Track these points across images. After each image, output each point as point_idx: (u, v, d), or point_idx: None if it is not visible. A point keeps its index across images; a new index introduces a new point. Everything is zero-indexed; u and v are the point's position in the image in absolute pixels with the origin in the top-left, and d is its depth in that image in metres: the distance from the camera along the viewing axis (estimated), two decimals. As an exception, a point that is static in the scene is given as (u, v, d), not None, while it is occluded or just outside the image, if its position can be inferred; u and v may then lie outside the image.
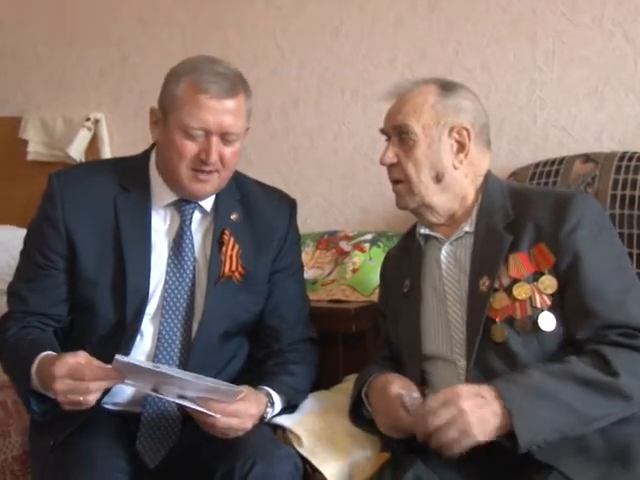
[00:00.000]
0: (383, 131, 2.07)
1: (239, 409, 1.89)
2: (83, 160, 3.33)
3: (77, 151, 3.32)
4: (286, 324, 2.19)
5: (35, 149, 3.44)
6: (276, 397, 2.04)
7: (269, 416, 2.02)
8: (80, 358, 1.84)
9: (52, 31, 3.50)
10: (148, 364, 1.90)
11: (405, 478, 1.86)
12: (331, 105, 3.01)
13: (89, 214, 2.07)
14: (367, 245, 2.73)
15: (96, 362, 1.83)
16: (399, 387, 1.92)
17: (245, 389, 1.93)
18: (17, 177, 3.41)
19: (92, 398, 1.83)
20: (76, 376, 1.81)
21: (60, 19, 3.48)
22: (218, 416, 1.84)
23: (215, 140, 2.00)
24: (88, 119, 3.33)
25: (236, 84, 2.03)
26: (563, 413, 1.72)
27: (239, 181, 2.21)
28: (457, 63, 2.79)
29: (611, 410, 1.75)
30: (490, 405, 1.72)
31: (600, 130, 2.60)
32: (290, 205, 2.27)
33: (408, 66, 2.87)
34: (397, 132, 2.01)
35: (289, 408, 2.08)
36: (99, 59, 3.40)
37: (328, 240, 2.82)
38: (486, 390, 1.74)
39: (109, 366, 1.80)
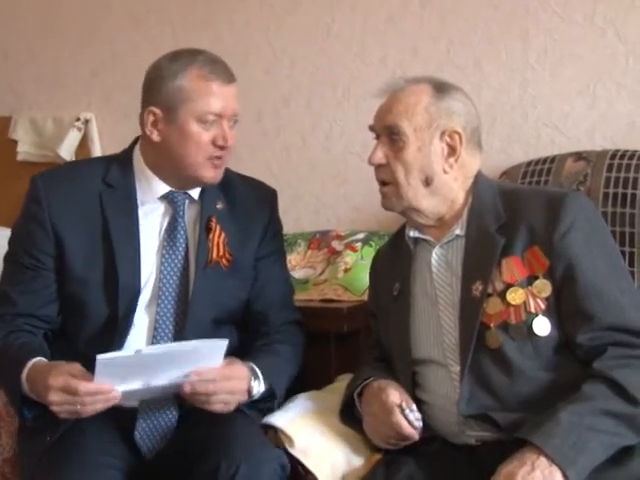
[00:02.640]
0: (372, 129, 2.04)
1: (232, 368, 1.93)
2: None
3: (67, 151, 3.31)
4: (272, 308, 2.22)
5: (25, 149, 3.43)
6: (259, 372, 2.03)
7: (255, 390, 2.01)
8: (75, 370, 1.85)
9: (43, 29, 3.48)
10: (128, 352, 1.89)
11: (397, 477, 1.87)
12: (323, 104, 3.00)
13: (75, 212, 2.09)
14: (359, 244, 2.73)
15: (89, 376, 1.83)
16: (397, 398, 1.92)
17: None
18: (6, 177, 3.38)
19: (89, 409, 1.84)
20: (70, 391, 1.82)
21: (51, 17, 3.46)
22: (216, 379, 1.87)
23: (226, 124, 2.07)
24: (78, 119, 3.32)
25: (229, 68, 2.12)
26: (602, 445, 1.69)
27: None
28: (449, 61, 2.78)
29: (626, 441, 1.73)
30: (539, 467, 1.66)
31: (592, 128, 2.60)
32: (271, 195, 2.31)
33: (399, 64, 2.86)
34: (387, 132, 1.97)
35: (274, 391, 2.07)
36: (90, 57, 3.38)
37: (320, 240, 2.81)
38: (528, 456, 1.67)
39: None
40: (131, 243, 2.08)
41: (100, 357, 1.79)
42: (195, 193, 2.16)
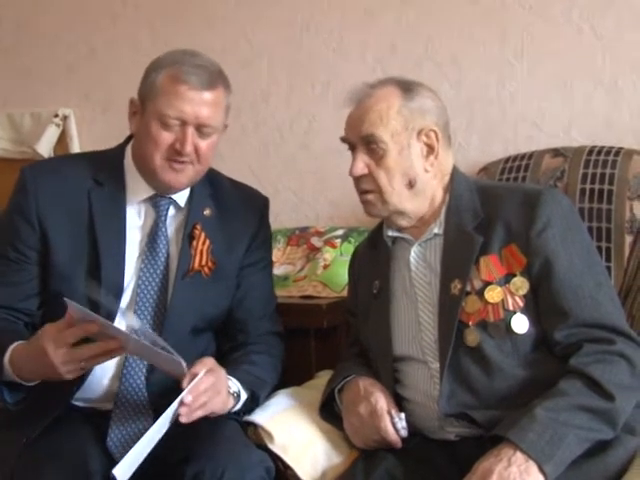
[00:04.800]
0: (345, 140, 2.02)
1: (214, 382, 1.88)
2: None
3: (46, 148, 3.29)
4: (252, 317, 2.19)
5: (2, 146, 3.41)
6: (237, 384, 2.02)
7: (237, 406, 2.00)
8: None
9: (19, 24, 3.46)
10: (99, 317, 1.84)
11: (377, 473, 1.88)
12: (301, 100, 3.01)
13: (63, 208, 2.05)
14: (338, 241, 2.74)
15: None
16: (385, 404, 1.93)
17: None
18: (-17, 174, 3.36)
19: (91, 360, 1.82)
20: (61, 343, 1.79)
21: (27, 12, 3.44)
22: (190, 398, 1.82)
23: (191, 131, 2.01)
24: (56, 115, 3.31)
25: (215, 77, 2.04)
26: (578, 440, 1.70)
27: (211, 177, 2.20)
28: (427, 57, 2.79)
29: (602, 436, 1.73)
30: (515, 463, 1.66)
31: (569, 124, 2.61)
32: (262, 202, 2.27)
33: (378, 60, 2.87)
34: (364, 142, 1.96)
35: (254, 400, 2.06)
36: (67, 53, 3.37)
37: (299, 236, 2.82)
38: (504, 452, 1.68)
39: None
40: (116, 243, 2.05)
41: (68, 301, 1.77)
42: (181, 199, 2.13)
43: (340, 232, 2.77)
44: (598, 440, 1.72)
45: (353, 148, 2.00)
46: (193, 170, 2.06)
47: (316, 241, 2.77)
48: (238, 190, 2.25)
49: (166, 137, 2.01)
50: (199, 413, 1.85)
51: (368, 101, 1.97)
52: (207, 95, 2.01)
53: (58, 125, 3.30)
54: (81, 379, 1.96)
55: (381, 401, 1.93)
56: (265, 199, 2.28)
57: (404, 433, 1.91)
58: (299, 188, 3.01)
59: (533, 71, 2.66)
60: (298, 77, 3.01)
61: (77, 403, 2.03)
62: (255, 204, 2.25)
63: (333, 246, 2.72)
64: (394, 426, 1.91)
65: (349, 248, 2.64)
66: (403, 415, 1.92)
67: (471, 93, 2.74)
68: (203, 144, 2.04)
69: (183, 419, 1.82)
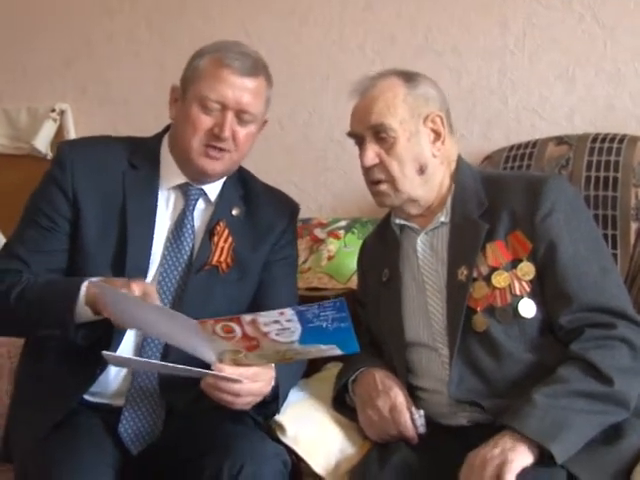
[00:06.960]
0: (353, 134, 2.04)
1: (259, 372, 1.84)
2: (49, 152, 3.26)
3: (43, 143, 3.26)
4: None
5: (-2, 141, 3.39)
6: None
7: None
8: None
9: (14, 18, 3.43)
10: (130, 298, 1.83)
11: (391, 462, 1.88)
12: (301, 91, 3.00)
13: (97, 186, 2.05)
14: (342, 232, 2.73)
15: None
16: (404, 400, 1.93)
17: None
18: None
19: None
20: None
21: (22, 6, 3.42)
22: (243, 380, 1.78)
23: (230, 116, 2.01)
24: (53, 110, 3.28)
25: (259, 66, 2.06)
26: (588, 422, 1.70)
27: (245, 178, 2.21)
28: (427, 47, 2.79)
29: (614, 417, 1.74)
30: (516, 450, 1.66)
31: (571, 112, 2.62)
32: (292, 207, 2.27)
33: (378, 52, 2.87)
34: (373, 132, 1.98)
35: (278, 391, 2.00)
36: (64, 48, 3.35)
37: (302, 227, 2.80)
38: (504, 439, 1.68)
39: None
40: (145, 228, 2.04)
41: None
42: (212, 192, 2.12)
43: (343, 223, 2.77)
44: (610, 424, 1.73)
45: (361, 142, 2.01)
46: (229, 158, 2.06)
47: (319, 232, 2.77)
48: (270, 194, 2.24)
49: (205, 121, 2.01)
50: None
51: (373, 92, 1.99)
52: (249, 82, 2.03)
53: (55, 120, 3.28)
54: (94, 375, 1.95)
55: (400, 397, 1.94)
56: (296, 205, 2.28)
57: (422, 430, 1.92)
58: (300, 180, 3.01)
59: (534, 59, 2.66)
60: (298, 69, 3.00)
61: (89, 398, 2.01)
62: (285, 207, 2.24)
63: (337, 237, 2.72)
64: (413, 422, 1.92)
65: (353, 239, 2.64)
66: (422, 412, 1.93)
67: (472, 82, 2.74)
68: (242, 132, 2.04)
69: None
